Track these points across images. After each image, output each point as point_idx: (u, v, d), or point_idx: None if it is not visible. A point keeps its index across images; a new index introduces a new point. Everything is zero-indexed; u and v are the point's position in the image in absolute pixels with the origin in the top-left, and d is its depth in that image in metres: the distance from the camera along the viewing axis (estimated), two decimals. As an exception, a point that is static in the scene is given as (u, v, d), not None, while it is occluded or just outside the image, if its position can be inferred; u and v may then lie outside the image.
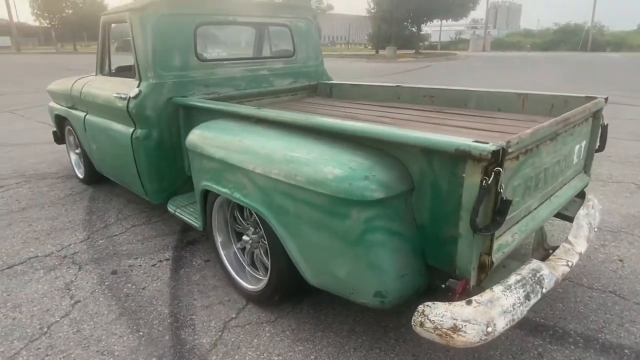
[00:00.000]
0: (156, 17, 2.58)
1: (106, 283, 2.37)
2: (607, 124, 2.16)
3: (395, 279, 1.55)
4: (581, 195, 2.24)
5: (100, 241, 2.88)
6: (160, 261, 2.60)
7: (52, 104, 4.10)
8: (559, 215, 2.17)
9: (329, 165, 1.57)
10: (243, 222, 2.20)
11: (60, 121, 4.04)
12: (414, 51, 31.02)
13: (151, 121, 2.62)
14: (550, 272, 1.61)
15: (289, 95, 3.36)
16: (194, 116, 2.60)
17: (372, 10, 32.36)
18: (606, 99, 2.12)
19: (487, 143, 1.29)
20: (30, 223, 3.17)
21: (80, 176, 4.02)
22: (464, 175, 1.35)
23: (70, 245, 2.83)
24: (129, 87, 2.68)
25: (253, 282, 2.19)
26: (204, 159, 2.13)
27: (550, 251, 1.89)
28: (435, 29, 58.29)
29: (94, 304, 2.19)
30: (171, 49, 2.65)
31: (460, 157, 1.35)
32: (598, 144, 2.18)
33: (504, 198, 1.35)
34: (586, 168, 2.24)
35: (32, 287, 2.34)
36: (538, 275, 1.55)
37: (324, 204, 1.57)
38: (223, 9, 2.94)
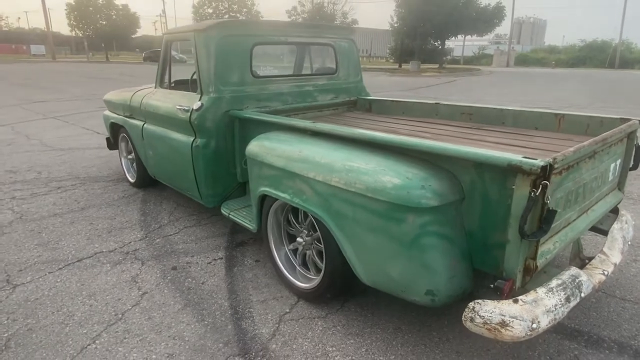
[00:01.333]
0: (218, 38, 2.84)
1: (168, 277, 2.61)
2: (640, 145, 2.29)
3: (446, 280, 1.73)
4: (615, 211, 2.37)
5: (157, 240, 3.12)
6: (215, 260, 2.82)
7: (107, 112, 4.43)
8: (594, 228, 2.30)
9: (387, 175, 1.76)
10: (297, 225, 2.40)
11: (115, 129, 4.35)
12: (437, 66, 31.14)
13: (210, 131, 2.88)
14: (588, 278, 1.75)
15: (331, 110, 3.59)
16: (248, 128, 2.84)
17: (395, 25, 32.69)
18: (640, 121, 2.26)
19: (536, 159, 1.47)
20: (91, 222, 3.45)
21: (131, 180, 4.31)
22: (513, 187, 1.52)
23: (130, 242, 3.08)
24: (190, 100, 2.95)
25: (303, 281, 2.39)
26: (264, 167, 2.35)
27: (587, 261, 2.03)
28: (458, 44, 58.30)
29: (160, 295, 2.42)
30: (230, 67, 2.91)
31: (510, 171, 1.52)
32: (632, 163, 2.32)
33: (550, 208, 1.52)
34: (620, 185, 2.37)
35: (102, 279, 2.59)
36: (577, 280, 1.70)
37: (381, 209, 1.76)
38: (276, 30, 3.20)
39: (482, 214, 1.70)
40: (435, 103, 3.22)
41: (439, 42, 33.48)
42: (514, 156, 1.51)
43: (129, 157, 4.32)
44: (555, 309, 1.56)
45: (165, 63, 3.44)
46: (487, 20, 29.29)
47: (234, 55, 2.93)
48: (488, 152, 1.58)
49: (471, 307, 1.57)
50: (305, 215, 2.30)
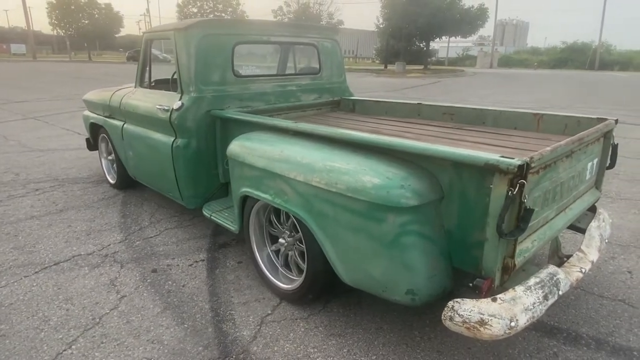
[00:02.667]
0: (199, 37, 2.81)
1: (148, 280, 2.56)
2: (617, 144, 2.33)
3: (426, 279, 1.73)
4: (592, 209, 2.41)
5: (137, 242, 3.07)
6: (196, 262, 2.78)
7: (87, 112, 4.34)
8: (572, 227, 2.33)
9: (367, 175, 1.76)
10: (279, 226, 2.38)
11: (95, 129, 4.27)
12: (422, 67, 31.40)
13: (191, 132, 2.84)
14: (566, 276, 1.78)
15: (314, 110, 3.58)
16: (230, 128, 2.81)
17: (381, 26, 32.87)
18: (616, 121, 2.30)
19: (513, 158, 1.48)
20: (69, 224, 3.38)
21: (112, 181, 4.24)
22: (491, 186, 1.53)
23: (109, 245, 3.02)
24: (171, 100, 2.90)
25: (285, 282, 2.37)
26: (245, 167, 2.32)
27: (565, 259, 2.06)
28: (443, 45, 58.91)
29: (139, 299, 2.37)
30: (211, 66, 2.88)
31: (488, 170, 1.53)
32: (609, 161, 2.36)
33: (527, 207, 1.53)
34: (597, 184, 2.41)
35: (80, 282, 2.53)
36: (555, 278, 1.72)
37: (362, 209, 1.76)
38: (258, 30, 3.18)
39: (460, 213, 1.71)
40: (418, 103, 3.24)
41: (424, 44, 33.79)
42: (491, 155, 1.52)
43: (109, 158, 4.24)
44: (534, 307, 1.58)
45: (145, 62, 3.38)
46: (470, 22, 29.66)
47: (215, 55, 2.90)
48: (466, 152, 1.59)
49: (450, 306, 1.57)
50: (287, 216, 2.29)
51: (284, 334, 2.07)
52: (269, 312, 2.25)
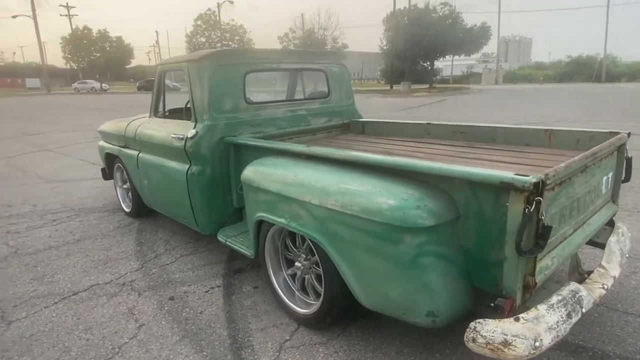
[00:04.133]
0: (211, 68, 2.89)
1: (166, 308, 2.57)
2: (631, 157, 2.33)
3: (446, 300, 1.72)
4: (610, 224, 2.39)
5: (154, 270, 3.09)
6: (213, 288, 2.79)
7: (102, 143, 4.45)
8: (591, 242, 2.31)
9: (383, 197, 1.77)
10: (295, 249, 2.39)
11: (110, 159, 4.36)
12: (427, 86, 31.64)
13: (205, 159, 2.89)
14: (588, 293, 1.75)
15: (325, 133, 3.63)
16: (243, 153, 2.86)
17: (385, 47, 33.36)
18: (629, 134, 2.30)
19: (528, 176, 1.49)
20: (86, 254, 3.42)
21: (127, 210, 4.30)
22: (507, 204, 1.54)
23: (126, 273, 3.05)
24: (185, 129, 2.97)
25: (303, 306, 2.36)
26: (259, 192, 2.35)
27: (585, 275, 2.03)
28: (447, 64, 59.43)
29: (157, 327, 2.37)
30: (224, 95, 2.95)
31: (503, 189, 1.54)
32: (624, 175, 2.35)
33: (545, 224, 1.53)
34: (614, 197, 2.39)
35: (99, 312, 2.55)
36: (577, 296, 1.70)
37: (378, 231, 1.76)
38: (268, 58, 3.27)
39: (478, 231, 1.71)
40: (427, 123, 3.27)
41: (428, 63, 34.15)
42: (506, 174, 1.53)
43: (124, 186, 4.32)
44: (557, 325, 1.55)
45: (160, 93, 3.48)
46: (473, 41, 30.01)
47: (227, 84, 2.98)
48: (480, 171, 1.60)
49: (472, 327, 1.55)
50: (303, 239, 2.30)
51: (303, 360, 2.06)
52: (287, 337, 2.24)
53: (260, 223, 2.45)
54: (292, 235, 2.39)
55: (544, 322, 1.53)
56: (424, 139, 3.23)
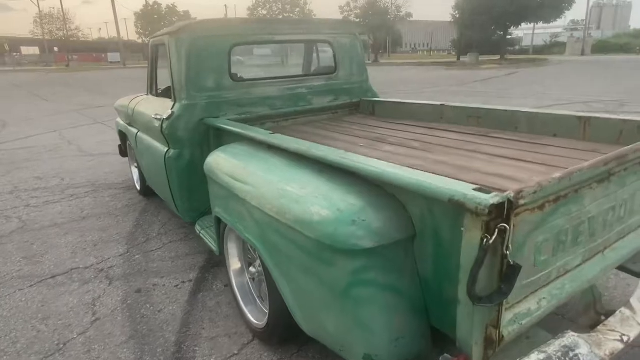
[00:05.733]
0: (190, 40, 2.60)
1: (128, 302, 2.42)
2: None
3: (387, 343, 1.33)
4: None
5: (137, 256, 2.97)
6: (183, 282, 2.60)
7: (118, 119, 4.41)
8: (624, 268, 1.75)
9: (317, 205, 1.40)
10: (253, 252, 2.10)
11: (122, 136, 4.32)
12: (498, 57, 29.08)
13: (183, 142, 2.64)
14: (591, 350, 1.27)
15: (329, 114, 3.23)
16: (223, 137, 2.57)
17: (456, 16, 31.04)
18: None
19: (489, 193, 1.04)
20: (83, 233, 3.39)
21: (138, 188, 4.25)
22: (462, 229, 1.10)
23: (109, 258, 2.96)
24: (165, 108, 2.74)
25: (259, 317, 2.07)
26: (215, 185, 2.07)
27: (603, 317, 1.52)
28: (528, 33, 54.46)
29: (110, 324, 2.23)
30: (204, 71, 2.66)
31: (459, 208, 1.10)
32: None
33: (511, 262, 1.07)
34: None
35: (64, 300, 2.46)
36: (572, 354, 1.23)
37: (310, 247, 1.40)
38: (258, 29, 2.90)
39: (435, 258, 1.29)
40: (441, 105, 2.75)
41: (503, 32, 31.28)
42: (461, 188, 1.09)
43: (135, 164, 4.26)
44: (529, 400, 1.12)
45: (153, 69, 3.28)
46: (555, 6, 26.74)
47: (209, 58, 2.68)
48: (429, 180, 1.17)
49: None
50: (258, 242, 1.99)
51: (242, 383, 1.78)
52: (235, 352, 1.97)
53: (219, 219, 2.18)
54: (251, 235, 2.08)
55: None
56: (435, 123, 2.73)
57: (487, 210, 1.00)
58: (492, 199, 1.01)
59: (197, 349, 2.01)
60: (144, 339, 2.09)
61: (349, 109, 3.33)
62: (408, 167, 1.36)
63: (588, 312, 1.60)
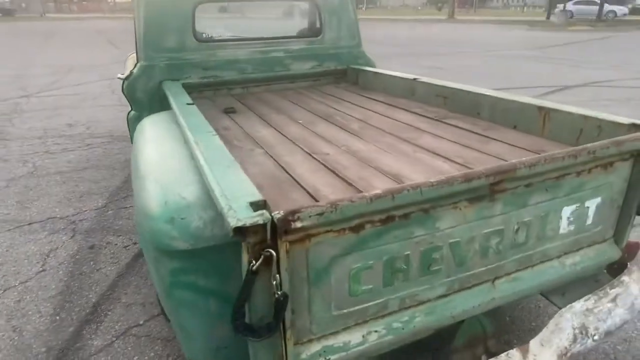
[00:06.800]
0: (149, -4, 2.48)
1: (77, 257, 2.52)
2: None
3: (207, 351, 1.22)
4: (615, 272, 1.46)
5: (110, 212, 3.07)
6: (135, 244, 2.64)
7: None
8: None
9: (154, 194, 1.27)
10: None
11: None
12: (594, 18, 25.35)
13: (142, 104, 2.60)
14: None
15: (310, 81, 2.99)
16: (179, 101, 2.48)
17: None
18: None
19: (259, 210, 0.85)
20: (77, 184, 3.57)
21: (144, 143, 4.37)
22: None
23: (86, 211, 3.09)
24: (129, 68, 2.70)
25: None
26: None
27: (484, 357, 1.28)
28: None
29: (51, 277, 2.34)
30: (165, 30, 2.55)
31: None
32: (637, 204, 1.35)
33: (278, 294, 0.88)
34: (617, 236, 1.42)
35: (27, 248, 2.62)
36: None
37: (146, 239, 1.30)
38: (226, -16, 2.70)
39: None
40: (413, 79, 2.40)
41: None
42: (234, 199, 0.90)
43: (141, 120, 4.36)
44: None
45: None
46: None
47: (170, 17, 2.55)
48: (223, 183, 0.99)
49: None
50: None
51: (129, 356, 1.79)
52: (141, 322, 1.98)
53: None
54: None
55: None
56: (404, 100, 2.42)
57: (231, 234, 0.82)
58: (250, 218, 0.82)
59: (109, 313, 2.04)
60: (69, 296, 2.17)
61: (334, 76, 3.06)
62: (315, 155, 1.20)
63: (473, 348, 1.35)
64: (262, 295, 0.90)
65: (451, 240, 1.08)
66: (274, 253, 0.85)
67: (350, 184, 1.31)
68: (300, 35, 3.04)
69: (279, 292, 0.89)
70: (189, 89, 2.62)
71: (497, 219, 1.13)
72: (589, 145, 1.16)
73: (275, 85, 2.88)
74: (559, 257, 1.32)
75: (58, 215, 3.04)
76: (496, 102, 1.85)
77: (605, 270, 1.49)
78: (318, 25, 2.97)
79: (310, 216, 0.86)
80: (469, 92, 1.98)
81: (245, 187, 0.97)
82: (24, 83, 8.28)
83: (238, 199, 0.91)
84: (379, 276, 1.03)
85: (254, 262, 0.86)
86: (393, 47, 13.65)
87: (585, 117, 1.47)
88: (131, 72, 2.57)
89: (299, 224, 0.86)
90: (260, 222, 0.82)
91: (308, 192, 1.25)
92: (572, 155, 1.12)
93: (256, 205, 0.88)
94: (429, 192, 0.96)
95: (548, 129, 1.62)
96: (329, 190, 1.26)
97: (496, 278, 1.22)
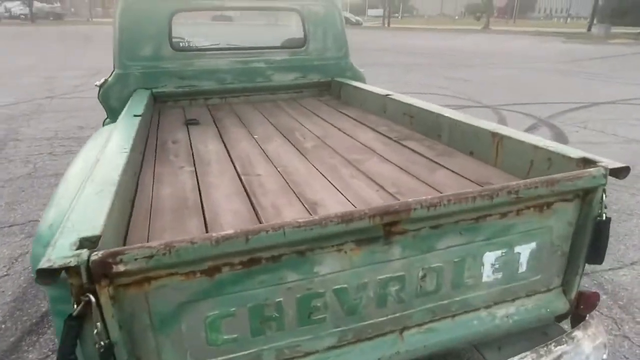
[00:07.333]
0: (125, 4, 2.47)
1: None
2: (609, 218, 1.12)
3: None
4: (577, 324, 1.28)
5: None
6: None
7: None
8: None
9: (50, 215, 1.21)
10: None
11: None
12: (638, 31, 23.91)
13: (116, 112, 2.57)
14: None
15: (292, 93, 2.91)
16: (151, 111, 2.46)
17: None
18: (610, 170, 1.09)
19: (85, 248, 0.76)
20: (68, 187, 3.62)
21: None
22: None
23: (67, 215, 3.11)
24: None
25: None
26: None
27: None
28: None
29: (12, 282, 2.34)
30: (140, 38, 2.53)
31: None
32: (589, 251, 1.17)
33: (102, 343, 0.78)
34: (567, 284, 1.24)
35: (0, 250, 2.65)
36: None
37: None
38: (206, -7, 2.66)
39: None
40: (385, 95, 2.26)
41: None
42: (59, 237, 0.82)
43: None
44: None
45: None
46: None
47: (146, 24, 2.53)
48: (86, 213, 0.91)
49: None
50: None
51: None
52: (80, 337, 1.93)
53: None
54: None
55: None
56: (374, 117, 2.29)
57: (35, 275, 0.73)
58: (61, 259, 0.73)
59: (53, 325, 2.01)
60: (22, 304, 2.16)
61: (319, 89, 2.96)
62: (245, 176, 1.16)
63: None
64: (90, 343, 0.81)
65: (336, 287, 0.96)
66: (92, 298, 0.76)
67: (256, 213, 1.20)
68: (284, 46, 2.96)
69: (104, 342, 0.79)
70: (165, 97, 2.59)
71: (395, 264, 0.99)
72: (511, 183, 1.00)
73: (255, 96, 2.81)
74: (487, 307, 1.16)
75: (39, 219, 3.06)
76: (454, 124, 1.68)
77: (556, 323, 1.31)
78: (302, 35, 2.89)
79: (136, 259, 0.76)
80: (431, 113, 1.83)
81: (95, 218, 0.89)
82: (53, 85, 8.62)
83: (72, 233, 0.82)
84: (244, 324, 0.92)
85: (76, 305, 0.77)
86: (422, 57, 13.40)
87: (536, 148, 1.30)
88: (106, 80, 2.56)
89: (121, 268, 0.76)
90: (73, 263, 0.73)
91: (205, 222, 1.15)
92: (486, 196, 0.96)
93: (87, 242, 0.79)
94: (295, 233, 0.84)
95: (501, 159, 1.45)
96: (229, 220, 1.16)
97: (404, 329, 1.08)
